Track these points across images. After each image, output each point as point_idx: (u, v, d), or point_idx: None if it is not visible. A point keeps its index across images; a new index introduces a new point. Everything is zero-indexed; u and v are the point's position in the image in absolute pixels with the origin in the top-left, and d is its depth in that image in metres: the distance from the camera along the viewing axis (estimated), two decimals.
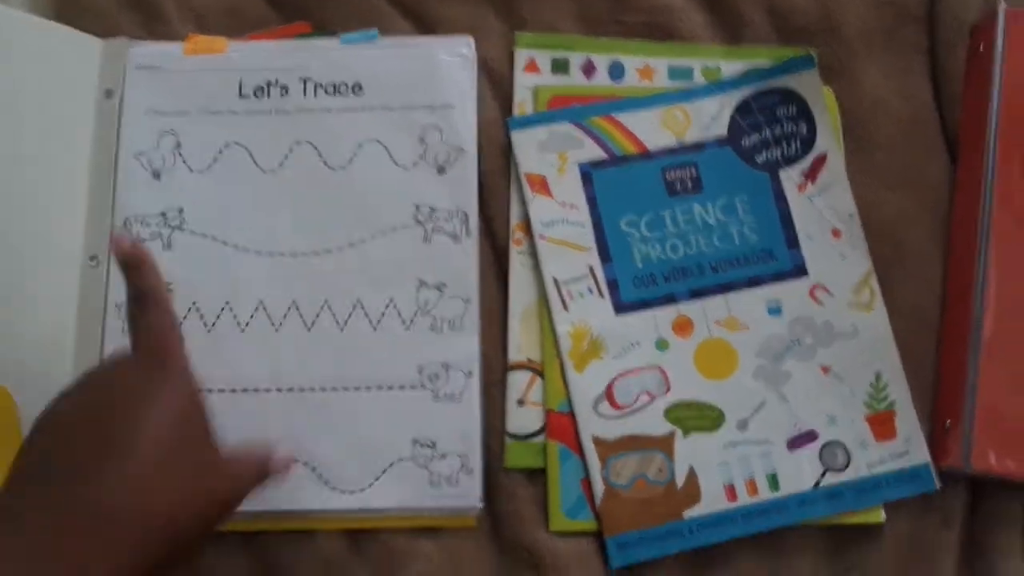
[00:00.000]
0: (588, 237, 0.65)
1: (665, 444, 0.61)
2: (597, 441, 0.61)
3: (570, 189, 0.65)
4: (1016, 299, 0.62)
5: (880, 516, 0.61)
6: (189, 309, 0.64)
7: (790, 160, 0.66)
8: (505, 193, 0.66)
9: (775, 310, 0.64)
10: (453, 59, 0.67)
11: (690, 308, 0.64)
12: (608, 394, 0.62)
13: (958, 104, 0.68)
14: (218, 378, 0.62)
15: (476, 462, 0.61)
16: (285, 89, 0.67)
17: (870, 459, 0.61)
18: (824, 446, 0.61)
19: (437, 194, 0.65)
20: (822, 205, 0.65)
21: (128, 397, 0.48)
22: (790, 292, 0.64)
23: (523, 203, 0.65)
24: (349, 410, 0.62)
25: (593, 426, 0.62)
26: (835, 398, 0.62)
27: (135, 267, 0.51)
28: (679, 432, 0.62)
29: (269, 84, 0.67)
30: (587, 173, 0.66)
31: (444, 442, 0.61)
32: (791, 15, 0.69)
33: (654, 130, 0.66)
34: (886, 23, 0.70)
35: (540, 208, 0.65)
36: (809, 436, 0.62)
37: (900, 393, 0.62)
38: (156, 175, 0.66)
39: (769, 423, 0.62)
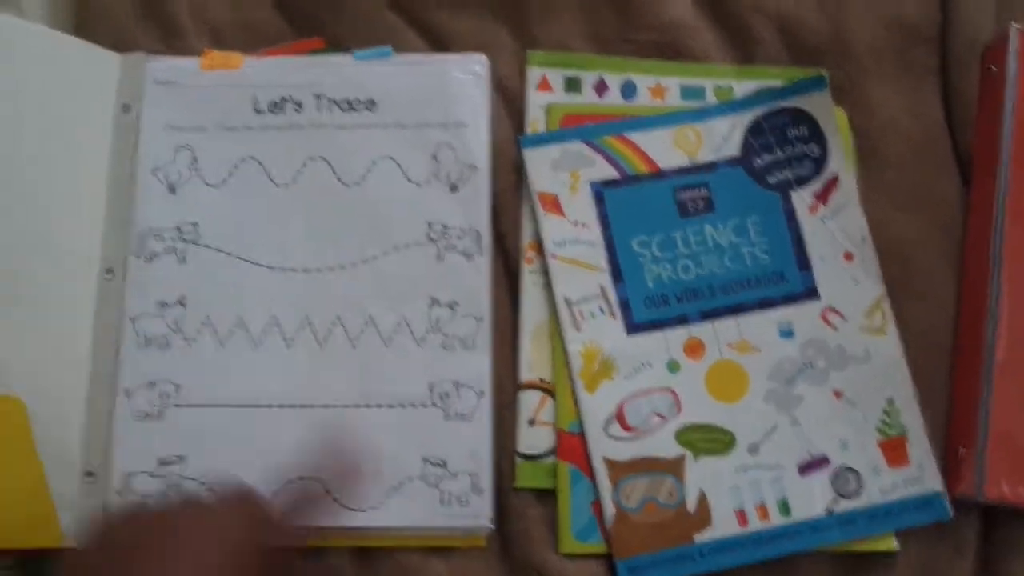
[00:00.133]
0: (600, 257, 0.64)
1: (676, 467, 0.61)
2: (608, 463, 0.61)
3: (582, 208, 0.65)
4: None
5: (892, 544, 0.60)
6: (203, 324, 0.64)
7: (802, 181, 0.66)
8: (517, 211, 0.66)
9: (787, 333, 0.63)
10: (466, 77, 0.67)
11: (701, 330, 0.63)
12: (619, 415, 0.62)
13: (970, 125, 0.67)
14: (230, 394, 0.63)
15: (486, 482, 0.61)
16: (299, 105, 0.67)
17: (883, 485, 0.61)
18: (836, 472, 0.61)
19: (450, 212, 0.65)
20: (834, 227, 0.65)
21: None
22: (802, 315, 0.63)
23: (535, 221, 0.65)
24: (360, 427, 0.62)
25: (604, 447, 0.61)
26: (847, 423, 0.62)
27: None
28: (690, 455, 0.61)
29: (283, 100, 0.67)
30: (599, 192, 0.66)
31: (454, 461, 0.61)
32: (802, 34, 0.69)
33: (666, 150, 0.66)
34: (897, 43, 0.69)
35: (552, 227, 0.65)
36: (821, 461, 0.61)
37: (912, 419, 0.62)
38: (172, 189, 0.66)
39: (781, 447, 0.61)
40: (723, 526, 0.60)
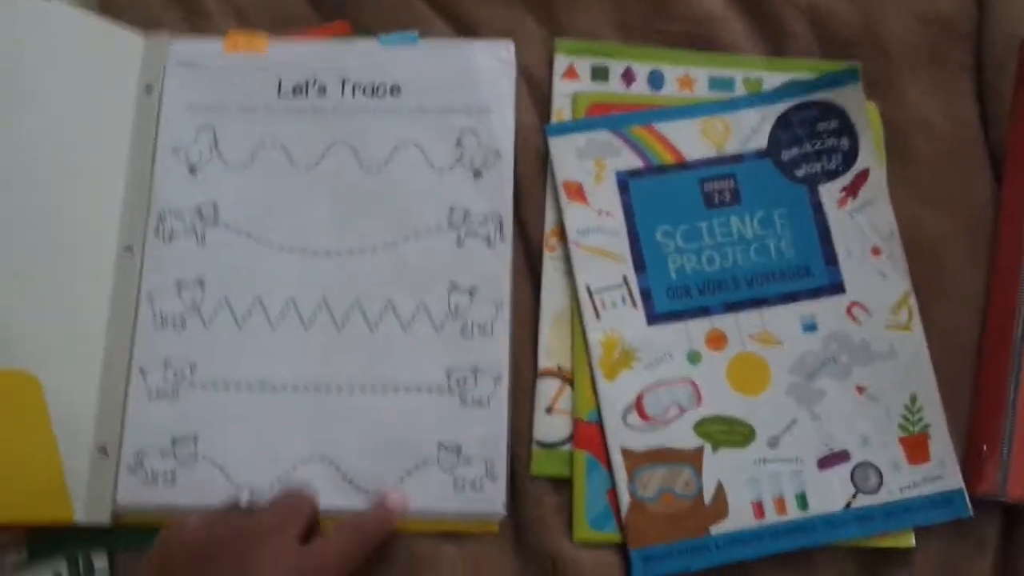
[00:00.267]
0: (623, 246, 0.64)
1: (694, 458, 0.61)
2: (625, 452, 0.61)
3: (606, 197, 0.65)
4: None
5: (910, 540, 0.60)
6: (220, 304, 0.64)
7: (831, 175, 0.65)
8: (540, 199, 0.66)
9: (810, 326, 0.63)
10: (492, 63, 0.67)
11: (724, 321, 0.63)
12: (638, 405, 0.61)
13: (1004, 122, 0.67)
14: (246, 375, 0.63)
15: (501, 468, 0.61)
16: (323, 89, 0.67)
17: (903, 482, 0.60)
18: (856, 467, 0.60)
19: (472, 198, 0.65)
20: (863, 222, 0.64)
21: None
22: (826, 309, 0.63)
23: (558, 209, 0.65)
24: (376, 411, 0.62)
25: (621, 437, 0.61)
26: (869, 419, 0.61)
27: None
28: (708, 447, 0.61)
29: (308, 83, 0.67)
30: (624, 182, 0.65)
31: (470, 447, 0.61)
32: (834, 27, 0.68)
33: (693, 140, 0.66)
34: (931, 37, 0.69)
35: (576, 215, 0.64)
36: (841, 456, 0.61)
37: (935, 416, 0.61)
38: (192, 170, 0.66)
39: (801, 441, 0.61)
40: (740, 518, 0.60)
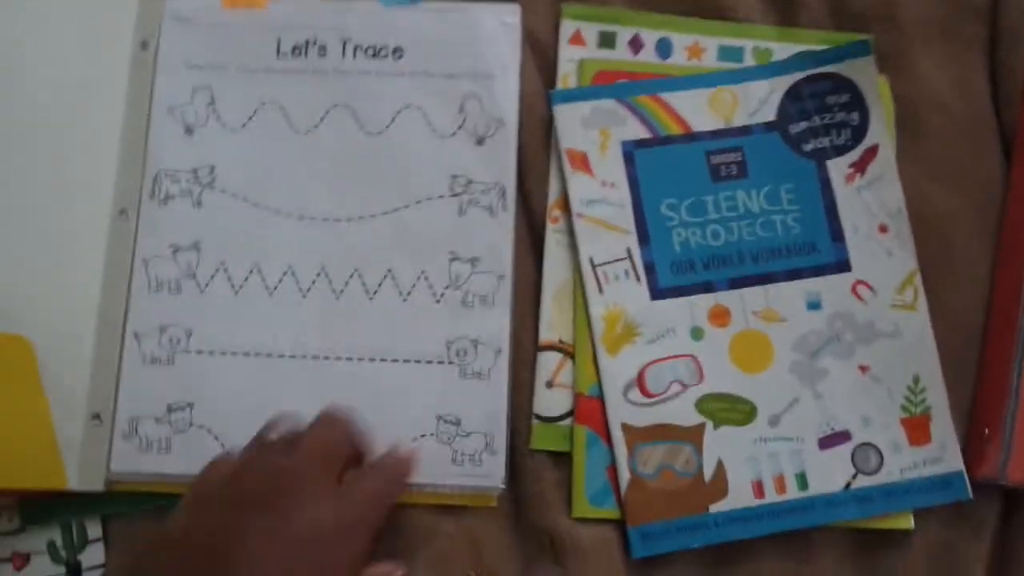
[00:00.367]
0: (627, 218, 0.63)
1: (694, 435, 0.60)
2: (626, 428, 0.60)
3: (611, 168, 0.64)
4: None
5: (909, 522, 0.60)
6: (217, 270, 0.63)
7: (839, 150, 0.64)
8: (544, 168, 0.65)
9: (815, 304, 0.62)
10: (497, 26, 0.65)
11: (728, 297, 0.62)
12: (639, 381, 0.61)
13: (1017, 100, 0.65)
14: (243, 342, 0.62)
15: (500, 442, 0.60)
16: (324, 49, 0.65)
17: (903, 463, 0.60)
18: (857, 447, 0.60)
19: (475, 165, 0.64)
20: (870, 198, 0.63)
21: None
22: (831, 287, 0.62)
23: (562, 179, 0.64)
24: (374, 382, 0.61)
25: (622, 413, 0.60)
26: (871, 399, 0.61)
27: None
28: (709, 424, 0.60)
29: (308, 43, 0.66)
30: (629, 152, 0.64)
31: (469, 420, 0.61)
32: None
33: (700, 111, 0.64)
34: (945, 11, 0.67)
35: (580, 185, 0.63)
36: (842, 436, 0.60)
37: (937, 398, 0.61)
38: (189, 131, 0.65)
39: (802, 420, 0.60)
40: (739, 497, 0.59)
